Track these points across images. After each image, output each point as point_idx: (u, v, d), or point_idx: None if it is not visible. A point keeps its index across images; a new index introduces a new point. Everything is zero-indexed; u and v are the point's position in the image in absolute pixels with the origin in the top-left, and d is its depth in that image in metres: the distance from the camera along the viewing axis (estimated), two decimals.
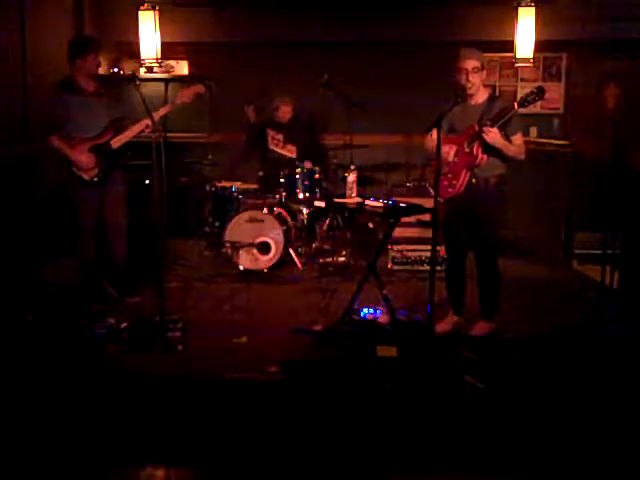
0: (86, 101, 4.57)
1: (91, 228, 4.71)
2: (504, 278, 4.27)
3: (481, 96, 4.09)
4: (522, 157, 4.04)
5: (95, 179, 4.58)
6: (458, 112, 4.03)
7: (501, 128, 3.91)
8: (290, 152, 6.23)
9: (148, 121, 4.44)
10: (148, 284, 4.93)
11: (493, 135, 3.87)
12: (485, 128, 3.86)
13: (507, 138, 3.97)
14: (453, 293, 4.40)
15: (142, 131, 4.61)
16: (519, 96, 4.16)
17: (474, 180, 4.05)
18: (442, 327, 4.31)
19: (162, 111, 4.63)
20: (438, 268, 4.53)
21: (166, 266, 5.33)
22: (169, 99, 4.84)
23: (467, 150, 4.02)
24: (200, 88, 4.75)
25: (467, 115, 4.05)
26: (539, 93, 3.81)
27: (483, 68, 4.04)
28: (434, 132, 4.04)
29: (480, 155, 3.97)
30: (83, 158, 4.51)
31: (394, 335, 4.13)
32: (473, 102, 4.09)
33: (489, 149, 3.97)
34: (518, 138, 4.01)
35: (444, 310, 4.40)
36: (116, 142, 4.61)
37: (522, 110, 3.94)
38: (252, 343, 4.16)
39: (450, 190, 4.10)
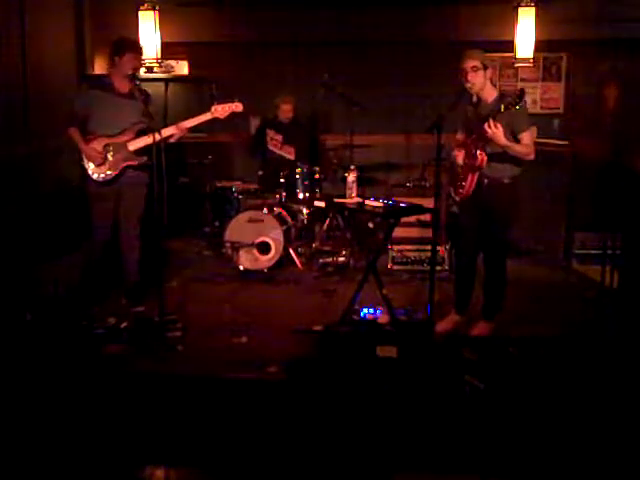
0: (114, 100, 4.48)
1: (103, 227, 4.58)
2: None
3: (490, 95, 4.07)
4: (531, 157, 3.98)
5: (102, 176, 4.48)
6: (472, 113, 4.03)
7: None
8: (288, 153, 6.23)
9: (172, 130, 4.41)
10: (152, 288, 4.93)
11: (495, 131, 3.81)
12: (489, 124, 3.81)
13: (514, 137, 3.95)
14: (460, 293, 4.39)
15: (166, 139, 4.39)
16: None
17: (486, 180, 4.04)
18: (443, 326, 4.31)
19: (190, 122, 4.50)
20: (438, 268, 4.55)
21: (166, 266, 5.33)
22: (169, 100, 4.71)
23: (473, 152, 4.02)
24: (238, 106, 4.58)
25: (479, 116, 4.04)
26: (520, 96, 3.78)
27: (486, 67, 4.00)
28: (458, 133, 4.06)
29: (480, 157, 3.96)
30: (93, 154, 4.42)
31: (394, 335, 4.14)
32: (484, 102, 4.08)
33: (496, 152, 3.96)
34: (525, 137, 3.96)
35: (444, 310, 4.40)
36: (132, 145, 4.48)
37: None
38: (252, 343, 4.16)
39: (461, 191, 4.11)
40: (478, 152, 3.96)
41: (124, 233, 4.65)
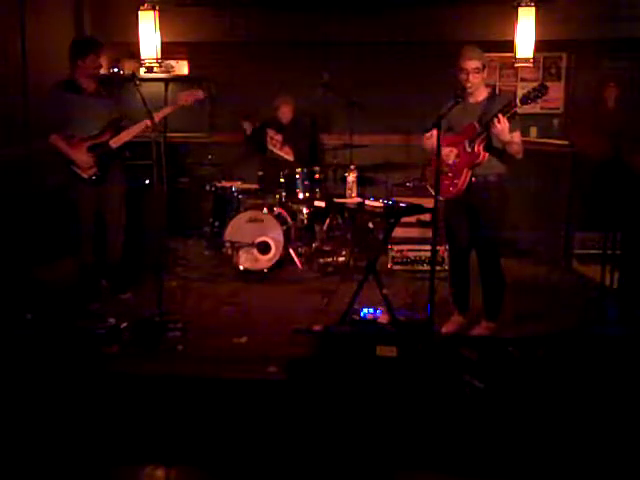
0: (86, 101, 4.59)
1: (90, 226, 4.73)
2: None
3: (481, 94, 4.08)
4: (520, 156, 4.01)
5: (93, 177, 4.62)
6: (456, 110, 4.03)
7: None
8: (287, 154, 6.23)
9: (147, 122, 4.49)
10: (141, 281, 5.01)
11: (504, 125, 3.79)
12: (499, 119, 3.78)
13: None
14: (457, 293, 4.39)
15: (142, 132, 4.65)
16: (521, 94, 4.14)
17: (474, 179, 4.04)
18: (448, 328, 4.31)
19: (161, 113, 4.64)
20: (438, 268, 4.55)
21: (166, 266, 5.33)
22: (169, 100, 4.85)
23: (469, 149, 4.01)
24: (199, 93, 4.76)
25: (466, 113, 4.03)
26: (542, 90, 3.80)
27: (484, 67, 4.02)
28: (431, 131, 4.04)
29: (482, 153, 3.97)
30: (82, 157, 4.55)
31: (394, 335, 4.13)
32: (472, 100, 4.07)
33: (489, 147, 3.97)
34: (517, 136, 3.98)
35: (444, 310, 4.39)
36: (115, 142, 4.65)
37: (522, 109, 3.92)
38: (252, 343, 4.16)
39: (452, 189, 4.09)
40: (476, 148, 3.97)
41: (112, 228, 4.82)
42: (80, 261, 4.82)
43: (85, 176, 4.61)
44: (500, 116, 3.80)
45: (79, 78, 4.61)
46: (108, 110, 4.67)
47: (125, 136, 4.65)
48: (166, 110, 4.69)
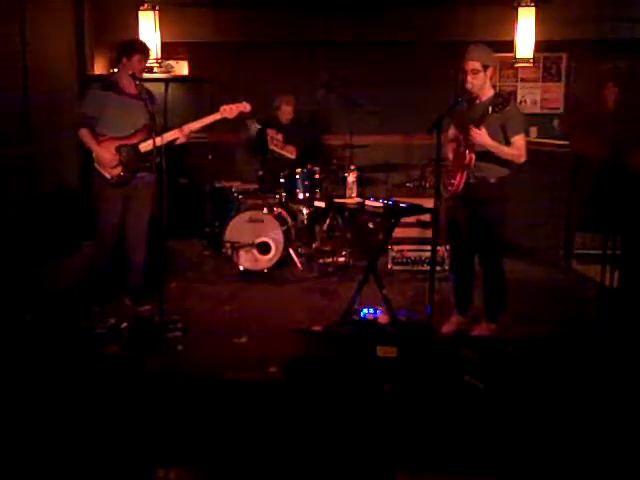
0: (123, 101, 4.48)
1: (110, 230, 4.58)
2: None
3: (485, 94, 4.05)
4: (522, 160, 3.98)
5: (116, 178, 4.49)
6: (464, 110, 4.03)
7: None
8: (290, 153, 6.22)
9: (184, 129, 4.48)
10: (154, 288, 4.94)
11: (479, 136, 3.84)
12: (473, 129, 3.84)
13: (506, 139, 3.94)
14: (459, 293, 4.39)
15: (174, 139, 4.53)
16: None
17: (472, 180, 4.04)
18: (447, 328, 4.31)
19: (199, 123, 4.58)
20: (438, 268, 4.55)
21: (166, 267, 5.32)
22: (167, 100, 4.66)
23: (461, 150, 4.02)
24: (246, 106, 4.63)
25: (468, 113, 4.03)
26: (507, 100, 3.83)
27: (486, 68, 3.97)
28: (450, 131, 4.06)
29: (469, 156, 3.95)
30: (107, 156, 4.42)
31: (394, 335, 4.14)
32: (478, 100, 4.07)
33: (483, 151, 3.97)
34: (519, 139, 3.94)
35: (444, 310, 4.40)
36: (145, 146, 4.49)
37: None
38: (252, 343, 4.16)
39: (450, 188, 4.09)
40: (467, 151, 3.96)
41: (131, 235, 4.66)
42: (93, 259, 4.70)
43: (108, 176, 4.47)
44: (473, 130, 3.84)
45: (121, 77, 4.52)
46: (143, 113, 4.44)
47: (156, 142, 4.38)
48: (205, 120, 4.58)
